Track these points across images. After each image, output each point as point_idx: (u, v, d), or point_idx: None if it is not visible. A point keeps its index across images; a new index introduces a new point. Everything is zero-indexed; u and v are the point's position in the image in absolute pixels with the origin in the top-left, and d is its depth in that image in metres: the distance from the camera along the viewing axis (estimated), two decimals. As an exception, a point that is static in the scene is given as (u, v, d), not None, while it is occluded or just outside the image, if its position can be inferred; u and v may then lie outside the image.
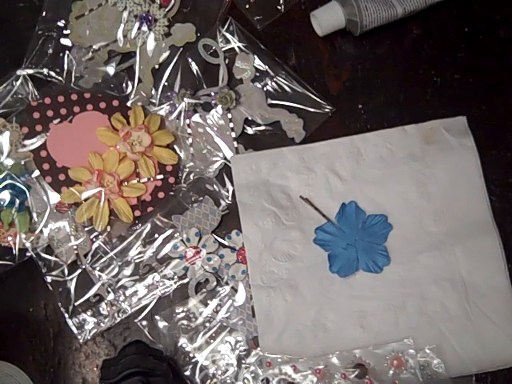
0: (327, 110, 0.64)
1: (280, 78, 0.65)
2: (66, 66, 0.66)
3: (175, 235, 0.62)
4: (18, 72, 0.65)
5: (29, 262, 0.62)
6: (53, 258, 0.62)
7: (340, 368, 0.56)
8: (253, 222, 0.61)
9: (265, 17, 0.67)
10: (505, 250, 0.59)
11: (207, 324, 0.60)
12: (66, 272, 0.62)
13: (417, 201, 0.61)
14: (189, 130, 0.64)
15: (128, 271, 0.62)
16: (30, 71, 0.65)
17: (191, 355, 0.59)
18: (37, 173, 0.63)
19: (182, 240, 0.62)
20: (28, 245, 0.62)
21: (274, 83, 0.65)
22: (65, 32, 0.66)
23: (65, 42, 0.66)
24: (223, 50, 0.66)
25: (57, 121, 0.63)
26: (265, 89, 0.65)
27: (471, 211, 0.60)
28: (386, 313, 0.58)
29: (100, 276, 0.62)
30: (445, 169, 0.61)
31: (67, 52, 0.66)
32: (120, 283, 0.61)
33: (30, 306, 0.62)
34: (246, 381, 0.58)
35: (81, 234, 0.62)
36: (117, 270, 0.62)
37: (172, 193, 0.63)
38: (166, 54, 0.66)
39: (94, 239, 0.62)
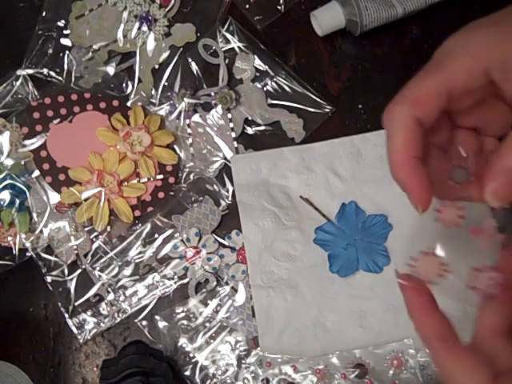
0: (327, 110, 0.64)
1: (280, 78, 0.65)
2: (66, 66, 0.66)
3: (175, 235, 0.62)
4: (18, 72, 0.65)
5: (29, 262, 0.62)
6: (53, 258, 0.62)
7: (340, 368, 0.56)
8: (253, 222, 0.61)
9: (265, 17, 0.67)
10: (505, 250, 0.59)
11: (207, 324, 0.60)
12: (66, 272, 0.62)
13: (417, 201, 0.61)
14: (189, 130, 0.64)
15: (128, 271, 0.62)
16: (30, 71, 0.65)
17: (191, 355, 0.59)
18: (37, 173, 0.63)
19: (182, 240, 0.62)
20: (28, 245, 0.62)
21: (274, 83, 0.65)
22: (65, 32, 0.66)
23: (65, 41, 0.66)
24: (223, 50, 0.66)
25: (57, 121, 0.63)
26: (265, 89, 0.65)
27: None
28: (385, 313, 0.59)
29: (100, 276, 0.62)
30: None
31: (67, 52, 0.66)
32: (120, 283, 0.61)
33: (30, 306, 0.62)
34: (245, 381, 0.58)
35: (81, 233, 0.62)
36: (117, 270, 0.62)
37: (172, 193, 0.63)
38: (166, 54, 0.66)
39: (94, 239, 0.62)
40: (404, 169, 0.36)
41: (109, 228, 0.62)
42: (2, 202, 0.62)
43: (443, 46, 0.39)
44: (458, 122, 0.40)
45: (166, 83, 0.65)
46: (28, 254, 0.62)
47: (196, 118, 0.65)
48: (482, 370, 0.34)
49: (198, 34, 0.66)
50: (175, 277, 0.61)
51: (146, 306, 0.61)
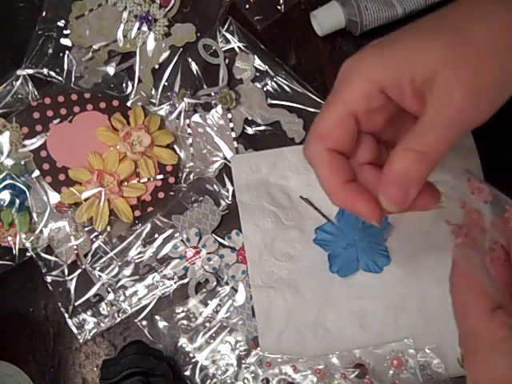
0: (327, 110, 0.64)
1: (280, 78, 0.65)
2: (65, 66, 0.66)
3: (175, 235, 0.62)
4: (18, 72, 0.65)
5: (29, 261, 0.62)
6: (53, 258, 0.62)
7: (340, 368, 0.56)
8: (253, 222, 0.61)
9: (265, 17, 0.67)
10: (505, 250, 0.59)
11: (207, 324, 0.60)
12: (66, 272, 0.62)
13: (417, 201, 0.61)
14: (189, 130, 0.64)
15: (128, 271, 0.62)
16: (30, 71, 0.65)
17: (191, 355, 0.59)
18: (37, 173, 0.63)
19: (182, 240, 0.62)
20: (28, 245, 0.62)
21: (274, 83, 0.65)
22: (65, 32, 0.66)
23: (65, 41, 0.66)
24: (223, 50, 0.66)
25: (57, 121, 0.63)
26: (265, 89, 0.65)
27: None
28: (385, 313, 0.58)
29: (100, 276, 0.62)
30: (444, 168, 0.61)
31: (67, 52, 0.66)
32: (120, 283, 0.61)
33: (30, 306, 0.62)
34: (245, 381, 0.58)
35: (81, 233, 0.62)
36: (117, 269, 0.62)
37: (172, 193, 0.63)
38: (165, 54, 0.66)
39: (94, 239, 0.62)
40: (340, 196, 0.39)
41: (109, 228, 0.62)
42: (2, 202, 0.62)
43: (339, 73, 0.40)
44: (382, 138, 0.42)
45: (165, 83, 0.65)
46: (28, 254, 0.62)
47: (196, 118, 0.65)
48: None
49: (198, 34, 0.66)
50: (175, 277, 0.61)
51: (146, 306, 0.61)
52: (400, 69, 0.37)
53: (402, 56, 0.37)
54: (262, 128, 0.64)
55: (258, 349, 0.59)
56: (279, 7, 0.67)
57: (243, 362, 0.59)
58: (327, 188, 0.40)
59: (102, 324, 0.61)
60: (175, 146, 0.64)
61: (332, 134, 0.39)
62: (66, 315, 0.61)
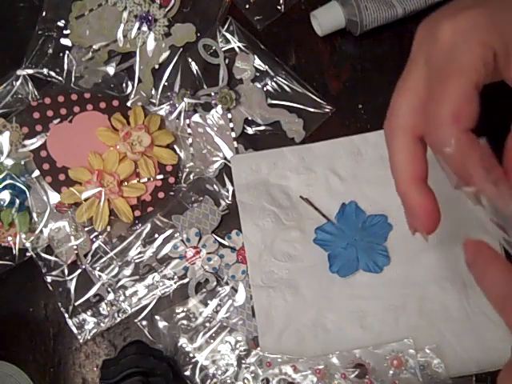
0: (327, 110, 0.64)
1: (280, 78, 0.65)
2: (65, 66, 0.66)
3: (175, 235, 0.62)
4: (18, 72, 0.65)
5: (29, 261, 0.62)
6: (53, 258, 0.62)
7: (340, 368, 0.56)
8: (253, 222, 0.61)
9: (265, 17, 0.67)
10: (505, 250, 0.59)
11: (207, 324, 0.60)
12: (66, 272, 0.62)
13: (417, 201, 0.61)
14: (189, 130, 0.64)
15: (128, 271, 0.62)
16: (30, 71, 0.65)
17: (191, 355, 0.59)
18: (37, 173, 0.63)
19: (182, 240, 0.62)
20: (28, 245, 0.62)
21: (274, 83, 0.65)
22: (65, 32, 0.66)
23: (65, 41, 0.66)
24: (223, 50, 0.66)
25: (57, 121, 0.63)
26: (265, 89, 0.65)
27: (471, 210, 0.60)
28: (386, 313, 0.58)
29: (100, 276, 0.62)
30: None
31: (67, 52, 0.66)
32: (120, 283, 0.61)
33: (30, 306, 0.62)
34: (245, 381, 0.58)
35: (81, 233, 0.62)
36: (117, 270, 0.62)
37: (172, 193, 0.63)
38: (165, 54, 0.66)
39: (94, 239, 0.62)
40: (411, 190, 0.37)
41: (109, 228, 0.62)
42: (2, 202, 0.62)
43: (440, 39, 0.35)
44: None
45: (165, 83, 0.65)
46: (28, 254, 0.62)
47: (196, 118, 0.65)
48: None
49: (198, 34, 0.66)
50: (175, 277, 0.61)
51: (146, 306, 0.61)
52: (509, 33, 0.33)
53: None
54: (262, 128, 0.64)
55: (258, 349, 0.59)
56: (279, 7, 0.67)
57: (243, 361, 0.59)
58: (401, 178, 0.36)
59: (102, 324, 0.61)
60: (175, 146, 0.64)
61: (465, 113, 0.33)
62: (66, 315, 0.61)
